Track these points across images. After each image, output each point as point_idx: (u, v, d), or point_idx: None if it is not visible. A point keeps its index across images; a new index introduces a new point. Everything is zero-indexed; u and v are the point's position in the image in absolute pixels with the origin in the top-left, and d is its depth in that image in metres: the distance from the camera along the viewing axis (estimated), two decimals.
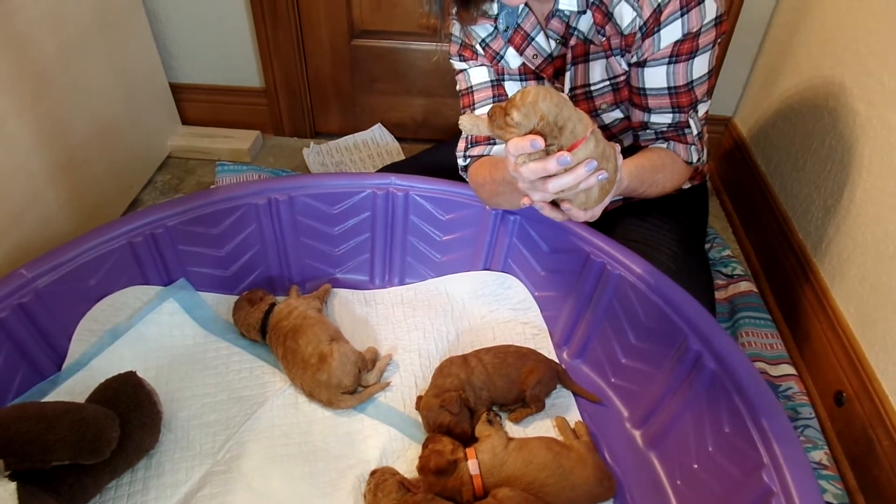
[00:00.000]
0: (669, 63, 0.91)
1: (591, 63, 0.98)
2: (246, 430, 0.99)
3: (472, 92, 1.06)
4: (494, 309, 1.20)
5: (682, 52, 0.90)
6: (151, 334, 1.09)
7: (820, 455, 1.01)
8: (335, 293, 1.23)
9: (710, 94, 0.97)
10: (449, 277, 1.24)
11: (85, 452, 0.80)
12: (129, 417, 0.88)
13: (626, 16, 0.89)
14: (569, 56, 0.97)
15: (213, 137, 1.72)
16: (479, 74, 1.05)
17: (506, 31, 0.99)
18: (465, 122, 0.78)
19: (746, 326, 1.22)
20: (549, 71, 1.01)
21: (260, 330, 1.09)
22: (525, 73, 1.03)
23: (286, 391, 1.05)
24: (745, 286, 1.31)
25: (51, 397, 0.97)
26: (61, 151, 1.29)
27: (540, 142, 0.70)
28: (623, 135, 1.08)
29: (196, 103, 1.75)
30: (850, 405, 1.02)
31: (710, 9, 0.87)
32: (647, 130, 1.01)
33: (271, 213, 1.18)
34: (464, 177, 1.13)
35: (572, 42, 0.95)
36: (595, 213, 0.79)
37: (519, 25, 0.98)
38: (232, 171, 1.61)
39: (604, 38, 0.93)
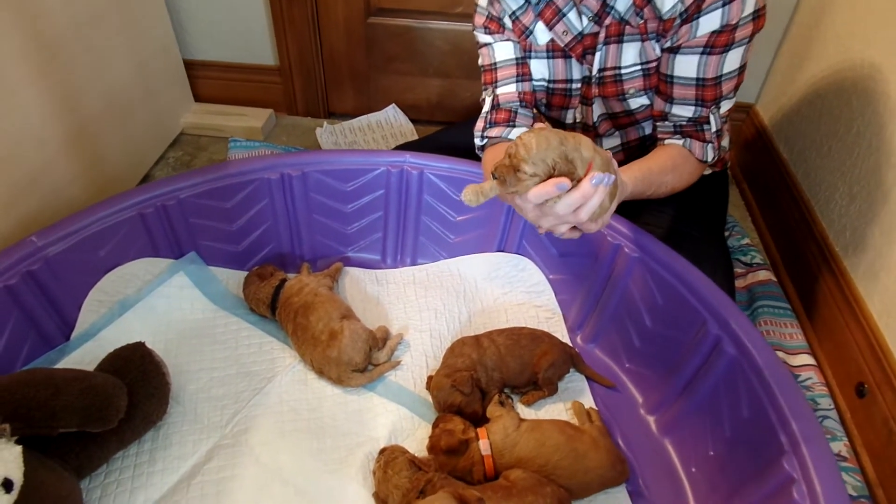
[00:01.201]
0: (703, 53, 0.89)
1: (624, 45, 0.95)
2: (254, 405, 0.97)
3: (496, 69, 1.03)
4: (508, 291, 1.18)
5: (718, 43, 0.87)
6: (161, 307, 1.08)
7: (839, 446, 0.99)
8: (346, 272, 1.22)
9: (736, 91, 0.95)
10: (462, 258, 1.22)
11: (92, 420, 0.79)
12: (136, 388, 0.87)
13: (667, 0, 0.87)
14: (601, 35, 0.94)
15: (227, 115, 1.71)
16: (504, 50, 1.01)
17: (537, 3, 0.96)
18: (469, 195, 0.76)
19: (765, 315, 1.19)
20: (578, 49, 0.98)
21: (270, 305, 1.08)
22: (553, 50, 1.00)
23: (295, 367, 1.04)
24: (763, 275, 1.28)
25: (59, 366, 0.96)
26: (73, 123, 1.27)
27: (566, 182, 0.71)
28: (646, 122, 1.06)
29: (209, 80, 1.73)
30: (872, 397, 1.00)
31: (751, 1, 0.85)
32: (666, 122, 0.99)
33: (284, 188, 1.16)
34: (480, 156, 1.11)
35: (607, 21, 0.92)
36: (606, 220, 0.78)
37: None
38: (244, 147, 1.59)
39: (641, 21, 0.90)
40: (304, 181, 1.17)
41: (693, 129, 0.97)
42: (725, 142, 1.01)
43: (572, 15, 0.94)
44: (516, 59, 1.01)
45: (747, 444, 0.84)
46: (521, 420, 0.92)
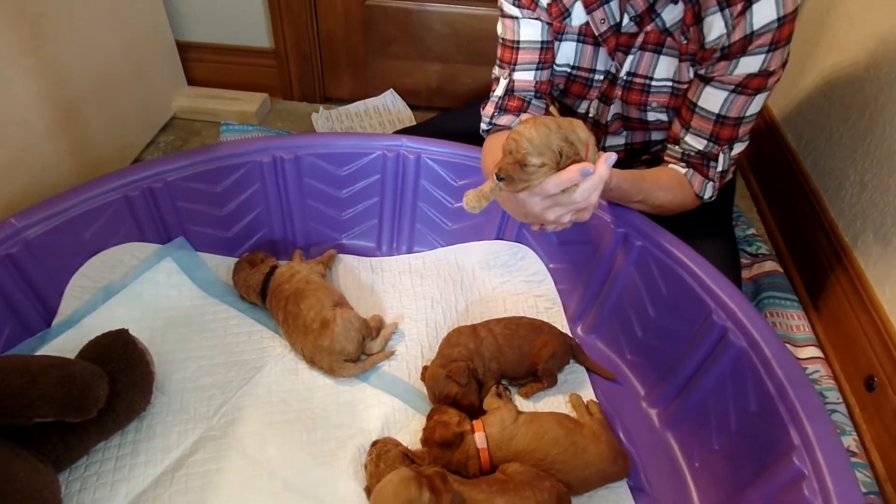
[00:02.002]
0: (733, 91, 0.87)
1: (661, 57, 0.91)
2: (242, 395, 0.94)
3: (518, 48, 0.95)
4: (506, 280, 1.15)
5: (752, 85, 0.86)
6: (147, 294, 1.04)
7: (848, 441, 0.96)
8: (340, 259, 1.18)
9: (749, 135, 0.93)
10: (460, 246, 1.19)
11: (70, 410, 0.76)
12: (118, 376, 0.84)
13: (715, 29, 0.83)
14: (639, 40, 0.90)
15: (220, 99, 1.66)
16: (530, 30, 0.94)
17: None
18: (472, 202, 0.75)
19: (771, 307, 1.16)
20: (611, 43, 0.92)
21: (260, 293, 1.04)
22: (585, 35, 0.94)
23: (286, 357, 1.00)
24: (769, 265, 1.24)
25: (39, 354, 0.93)
26: (60, 104, 1.23)
27: (590, 166, 0.70)
28: (657, 133, 1.04)
29: (203, 63, 1.69)
30: (882, 390, 0.96)
31: (786, 52, 0.83)
32: (677, 147, 0.96)
33: (276, 172, 1.13)
34: (484, 137, 1.06)
35: (649, 27, 0.88)
36: (596, 202, 0.78)
37: None
38: (237, 131, 1.55)
39: (684, 41, 0.87)
40: (298, 165, 1.13)
41: (699, 163, 0.95)
42: (729, 176, 0.99)
43: (614, 5, 0.89)
44: (541, 42, 0.95)
45: (754, 438, 0.81)
46: (519, 412, 0.89)
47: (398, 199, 1.19)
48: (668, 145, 0.98)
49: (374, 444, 0.86)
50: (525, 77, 0.97)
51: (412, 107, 1.71)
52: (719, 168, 0.95)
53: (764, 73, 0.84)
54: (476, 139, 1.12)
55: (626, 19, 0.89)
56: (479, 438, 0.85)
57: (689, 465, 0.90)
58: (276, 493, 0.83)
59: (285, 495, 0.83)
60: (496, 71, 1.00)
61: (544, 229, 0.83)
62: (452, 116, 1.37)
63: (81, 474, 0.83)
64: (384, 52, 1.65)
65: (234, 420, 0.91)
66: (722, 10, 0.81)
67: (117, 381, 0.83)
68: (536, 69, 0.96)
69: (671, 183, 0.97)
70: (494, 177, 0.72)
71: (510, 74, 0.97)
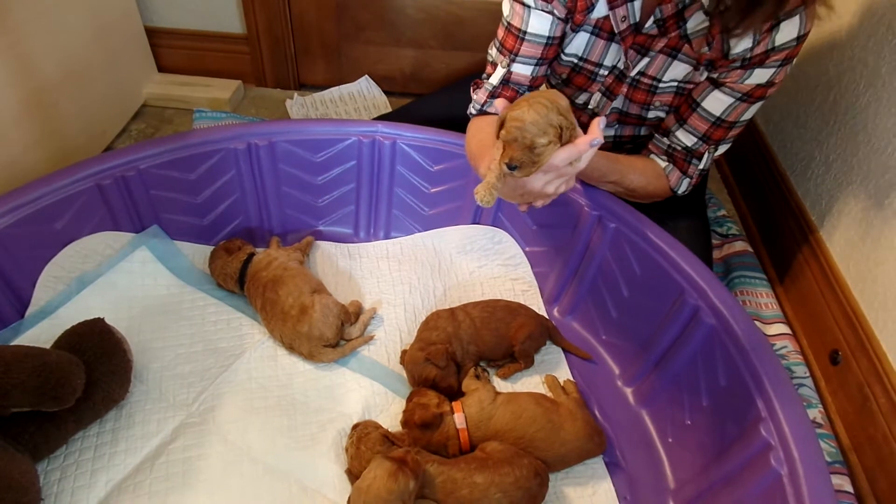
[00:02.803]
0: (739, 99, 0.89)
1: (675, 62, 0.91)
2: (222, 382, 0.94)
3: (523, 40, 0.92)
4: (484, 264, 1.16)
5: (756, 94, 0.88)
6: (122, 283, 1.03)
7: (814, 413, 0.99)
8: (318, 246, 1.18)
9: (734, 138, 0.96)
10: (437, 231, 1.19)
11: (47, 399, 0.75)
12: (95, 365, 0.83)
13: (743, 42, 0.83)
14: (660, 44, 0.89)
15: (192, 86, 1.64)
16: (539, 23, 0.90)
17: None
18: (486, 196, 0.74)
19: (741, 286, 1.19)
20: (628, 41, 0.91)
21: (238, 280, 1.04)
22: (600, 29, 0.92)
23: (265, 343, 1.00)
24: (740, 246, 1.27)
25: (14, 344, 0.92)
26: (26, 91, 1.21)
27: (599, 137, 0.72)
28: (648, 129, 1.05)
29: (173, 49, 1.66)
30: (846, 364, 1.00)
31: (791, 67, 0.86)
32: (665, 139, 0.98)
33: (251, 159, 1.12)
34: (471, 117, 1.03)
35: (673, 33, 0.87)
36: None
37: None
38: (210, 118, 1.53)
39: (707, 50, 0.87)
40: (272, 151, 1.12)
41: (682, 158, 0.97)
42: (705, 173, 1.02)
43: (637, 4, 0.87)
44: (547, 38, 0.92)
45: (724, 412, 0.84)
46: (497, 393, 0.91)
47: (375, 185, 1.19)
48: (657, 135, 1.00)
49: (355, 427, 0.87)
50: (523, 71, 0.94)
51: (387, 92, 1.71)
52: (701, 166, 0.97)
53: (768, 84, 0.86)
54: (451, 124, 1.12)
55: (649, 21, 0.88)
56: (459, 419, 0.86)
57: (662, 440, 0.93)
58: (257, 477, 0.84)
59: (266, 479, 0.84)
60: (493, 53, 0.96)
61: (533, 208, 0.82)
62: (427, 102, 1.37)
63: (61, 464, 0.83)
64: (358, 37, 1.64)
65: (213, 407, 0.91)
66: None
67: (94, 370, 0.83)
68: (536, 64, 0.94)
69: (646, 168, 0.99)
70: (504, 167, 0.71)
71: (509, 65, 0.94)
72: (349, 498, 0.76)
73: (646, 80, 0.95)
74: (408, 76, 1.71)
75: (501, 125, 0.73)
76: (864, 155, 1.03)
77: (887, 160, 0.97)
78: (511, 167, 0.71)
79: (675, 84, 0.94)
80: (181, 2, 1.59)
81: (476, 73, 1.03)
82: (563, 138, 0.72)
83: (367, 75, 1.72)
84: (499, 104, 0.76)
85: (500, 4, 0.94)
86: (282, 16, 1.58)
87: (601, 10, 0.89)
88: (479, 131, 0.94)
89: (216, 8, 1.60)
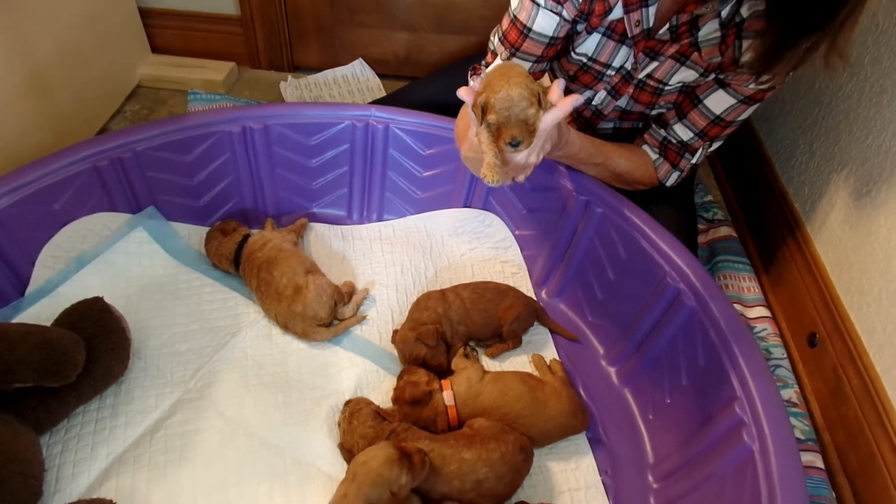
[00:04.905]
0: (742, 101, 0.91)
1: (683, 67, 0.93)
2: (218, 360, 0.97)
3: (526, 36, 0.92)
4: (474, 247, 1.19)
5: (756, 97, 0.90)
6: (120, 262, 1.05)
7: (790, 393, 1.03)
8: (311, 228, 1.20)
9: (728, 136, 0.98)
10: (429, 214, 1.22)
11: (49, 375, 0.78)
12: (95, 342, 0.86)
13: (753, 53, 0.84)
14: (670, 49, 0.90)
15: (186, 67, 1.64)
16: (545, 22, 0.91)
17: None
18: (494, 176, 0.74)
19: (724, 270, 1.22)
20: (640, 46, 0.92)
21: (233, 261, 1.06)
22: (613, 31, 0.92)
23: (260, 322, 1.03)
24: (725, 231, 1.30)
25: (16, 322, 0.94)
26: (22, 74, 1.21)
27: (579, 98, 0.75)
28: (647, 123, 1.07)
29: (167, 30, 1.66)
30: (823, 346, 1.04)
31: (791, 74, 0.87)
32: (661, 131, 1.00)
33: (246, 142, 1.14)
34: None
35: (685, 40, 0.89)
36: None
37: None
38: (205, 100, 1.54)
39: (719, 59, 0.88)
40: (267, 134, 1.14)
41: (675, 152, 0.99)
42: (695, 167, 1.04)
43: (652, 10, 0.87)
44: (550, 38, 0.92)
45: (702, 391, 0.87)
46: (485, 372, 0.94)
47: (368, 169, 1.21)
48: (653, 126, 1.01)
49: (347, 403, 0.90)
50: (522, 65, 0.95)
51: (380, 75, 1.71)
52: (693, 160, 0.99)
53: (770, 88, 0.89)
54: (443, 109, 1.13)
55: (664, 28, 0.88)
56: (447, 396, 0.90)
57: (643, 418, 0.97)
58: (252, 450, 0.87)
59: (262, 452, 0.87)
60: (495, 42, 0.98)
61: (521, 188, 0.84)
62: (420, 86, 1.38)
63: (62, 437, 0.86)
64: (352, 20, 1.65)
65: (210, 383, 0.94)
66: None
67: (94, 348, 0.85)
68: (535, 62, 0.95)
69: (632, 155, 1.00)
70: (506, 146, 0.73)
71: (508, 58, 0.95)
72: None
73: (652, 83, 0.97)
74: (401, 59, 1.72)
75: (484, 111, 0.73)
76: (846, 143, 1.06)
77: (867, 149, 1.00)
78: (514, 144, 0.72)
79: (679, 86, 0.96)
80: None
81: (469, 57, 1.05)
82: (543, 103, 0.73)
83: (360, 58, 1.72)
84: (463, 93, 0.75)
85: None
86: None
87: (616, 12, 0.90)
88: (467, 114, 0.96)
89: None
